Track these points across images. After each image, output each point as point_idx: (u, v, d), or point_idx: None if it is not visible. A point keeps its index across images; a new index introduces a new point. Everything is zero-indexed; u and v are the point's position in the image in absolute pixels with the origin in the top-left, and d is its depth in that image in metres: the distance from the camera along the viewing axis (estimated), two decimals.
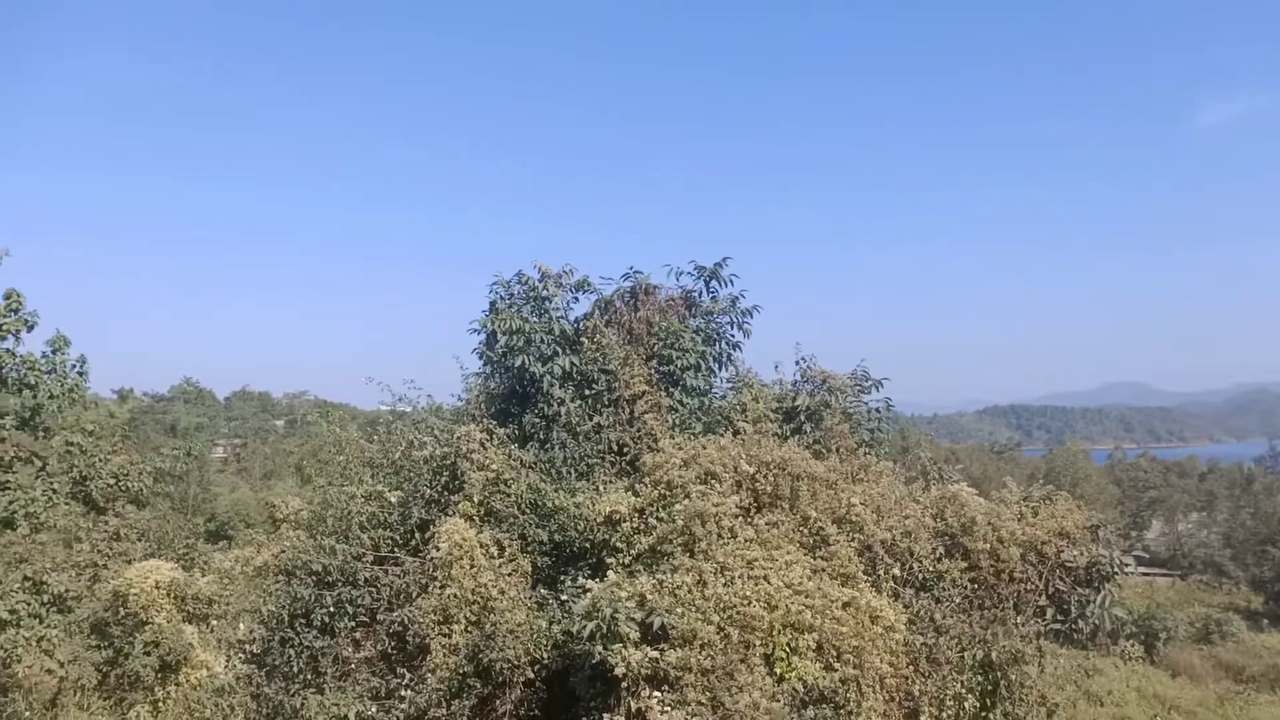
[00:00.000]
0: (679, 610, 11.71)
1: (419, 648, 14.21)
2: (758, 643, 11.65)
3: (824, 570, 12.77)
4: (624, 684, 11.52)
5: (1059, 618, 14.72)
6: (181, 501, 57.56)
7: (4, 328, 22.71)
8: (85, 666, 24.57)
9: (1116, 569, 14.89)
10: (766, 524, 13.21)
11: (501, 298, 16.92)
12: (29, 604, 22.38)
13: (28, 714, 23.24)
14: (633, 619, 11.67)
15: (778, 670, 11.65)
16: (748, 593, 11.86)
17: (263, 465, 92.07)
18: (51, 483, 24.33)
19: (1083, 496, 21.82)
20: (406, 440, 16.46)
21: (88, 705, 24.67)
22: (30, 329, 23.21)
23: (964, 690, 13.16)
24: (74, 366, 24.41)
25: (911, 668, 12.67)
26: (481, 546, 14.15)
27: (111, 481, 25.96)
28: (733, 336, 17.45)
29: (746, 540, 12.79)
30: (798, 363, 17.35)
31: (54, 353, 24.02)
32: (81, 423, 26.16)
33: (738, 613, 11.71)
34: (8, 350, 23.15)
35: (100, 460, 25.71)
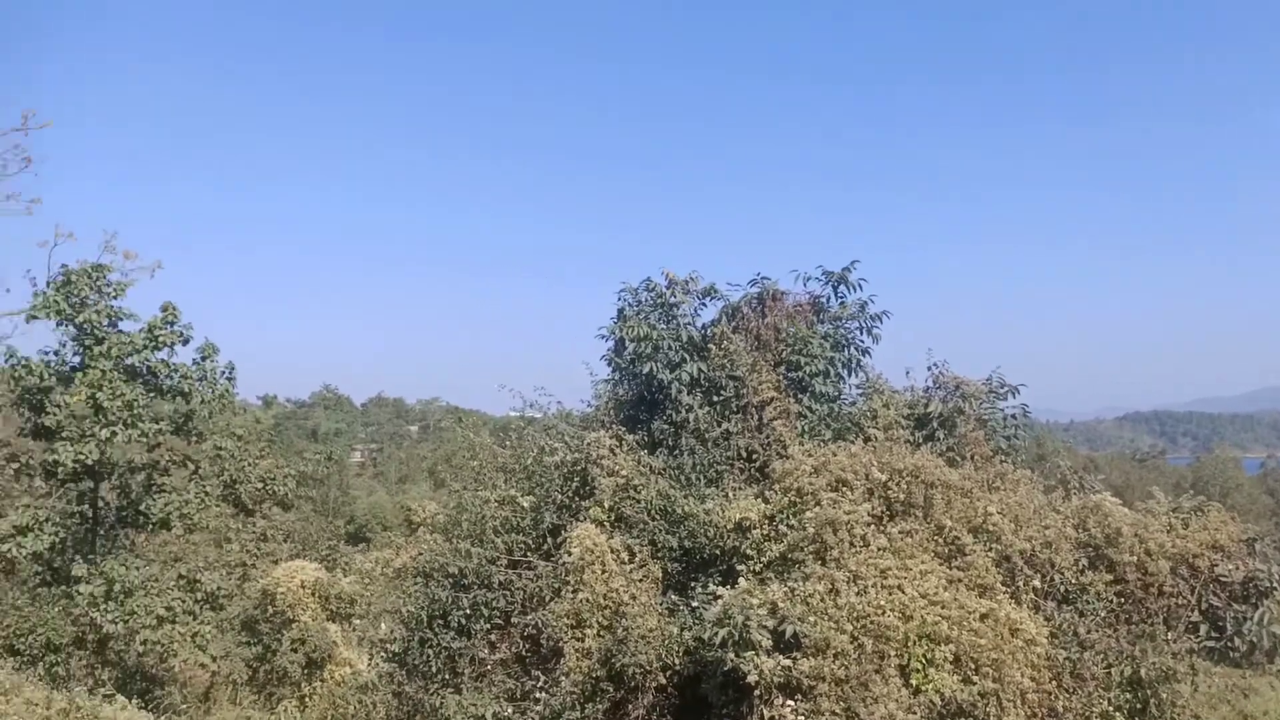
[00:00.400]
0: (811, 619, 11.64)
1: (552, 651, 14.46)
2: (893, 653, 11.48)
3: (960, 581, 12.48)
4: (757, 692, 11.52)
5: (1213, 634, 14.00)
6: (322, 504, 59.89)
7: (161, 339, 24.08)
8: (236, 662, 25.84)
9: (1275, 584, 14.10)
10: (900, 533, 12.99)
11: (629, 304, 17.11)
12: (184, 601, 23.63)
13: (184, 706, 24.49)
14: (765, 627, 11.67)
15: (914, 682, 11.45)
16: (881, 602, 11.70)
17: (398, 470, 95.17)
18: (204, 485, 25.63)
19: (1234, 507, 20.64)
20: (538, 446, 16.79)
21: (238, 699, 25.86)
22: (185, 342, 24.55)
23: (1111, 708, 12.65)
24: (223, 373, 25.65)
25: (1054, 683, 12.26)
26: (612, 552, 14.34)
27: (259, 485, 27.12)
28: (861, 342, 17.25)
29: (879, 549, 12.61)
30: (930, 368, 17.03)
31: (203, 359, 25.31)
32: (231, 428, 27.42)
33: (871, 622, 11.56)
34: (163, 361, 24.52)
35: (248, 464, 26.91)
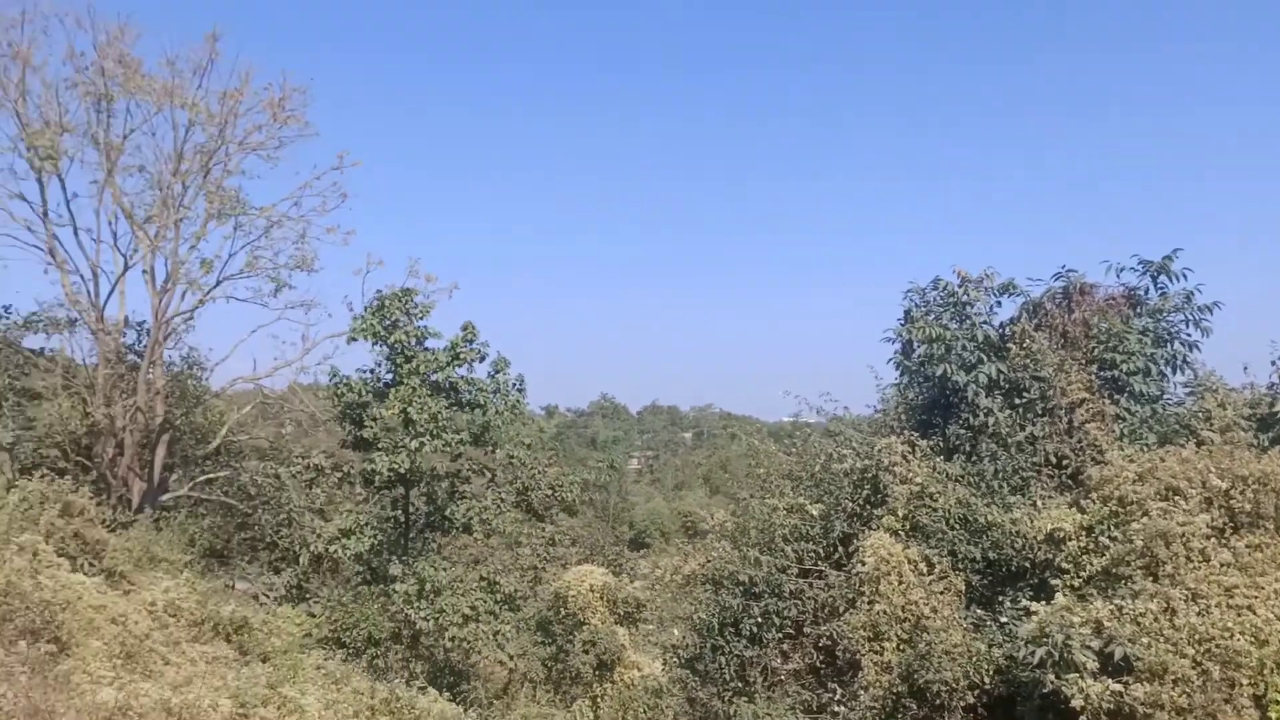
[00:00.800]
0: (1144, 640, 10.65)
1: (849, 663, 14.08)
2: (1245, 681, 10.29)
3: None
4: (1082, 718, 10.64)
5: None
6: (603, 510, 62.10)
7: (461, 357, 25.75)
8: (533, 661, 27.02)
9: None
10: (1247, 547, 11.61)
11: (916, 305, 16.43)
12: (485, 601, 25.03)
13: (488, 701, 25.85)
14: (1089, 647, 10.86)
15: (1272, 715, 10.19)
16: (1229, 624, 10.52)
17: (674, 476, 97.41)
18: (499, 492, 27.10)
19: None
20: (825, 453, 16.42)
21: (536, 696, 27.03)
22: (482, 359, 26.16)
23: None
24: (514, 385, 27.09)
25: None
26: (909, 562, 13.76)
27: (548, 492, 28.34)
28: (1188, 336, 15.64)
29: (1222, 564, 11.33)
30: (1274, 363, 15.16)
31: (496, 373, 26.85)
32: (520, 438, 28.82)
33: (1217, 646, 10.42)
34: (463, 376, 26.20)
35: (538, 472, 28.20)
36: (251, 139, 27.48)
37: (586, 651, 25.41)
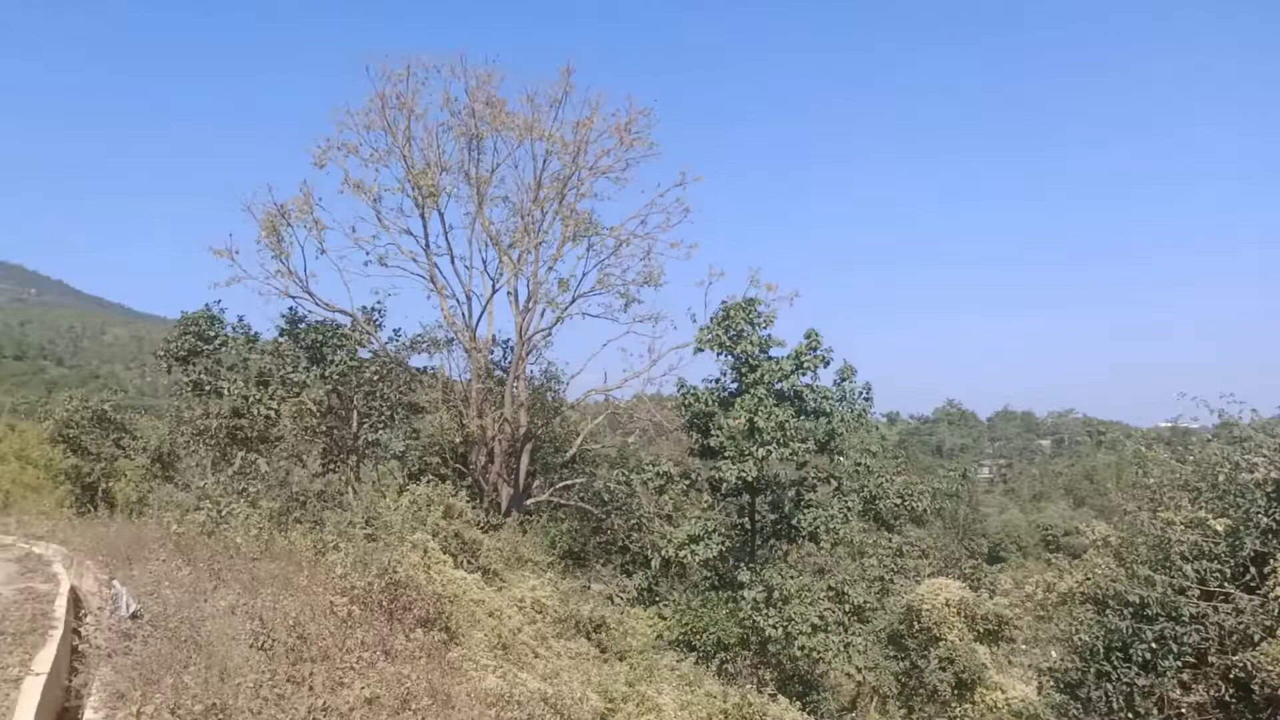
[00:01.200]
0: None
1: (1267, 699, 12.37)
2: None
3: None
4: None
5: None
6: (952, 521, 59.27)
7: (805, 365, 25.56)
8: (884, 675, 26.22)
9: None
10: None
11: None
12: (833, 611, 24.58)
13: (841, 713, 25.39)
14: None
15: None
16: None
17: (1030, 486, 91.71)
18: (846, 501, 26.59)
19: None
20: (1230, 461, 14.50)
21: (886, 710, 26.20)
22: (826, 365, 25.84)
23: None
24: (860, 394, 26.50)
25: None
26: None
27: (897, 501, 27.46)
28: None
29: None
30: None
31: (842, 381, 26.39)
32: (866, 445, 28.16)
33: None
34: (808, 385, 25.98)
35: (886, 480, 27.41)
36: (601, 163, 29.07)
37: (943, 669, 24.31)
